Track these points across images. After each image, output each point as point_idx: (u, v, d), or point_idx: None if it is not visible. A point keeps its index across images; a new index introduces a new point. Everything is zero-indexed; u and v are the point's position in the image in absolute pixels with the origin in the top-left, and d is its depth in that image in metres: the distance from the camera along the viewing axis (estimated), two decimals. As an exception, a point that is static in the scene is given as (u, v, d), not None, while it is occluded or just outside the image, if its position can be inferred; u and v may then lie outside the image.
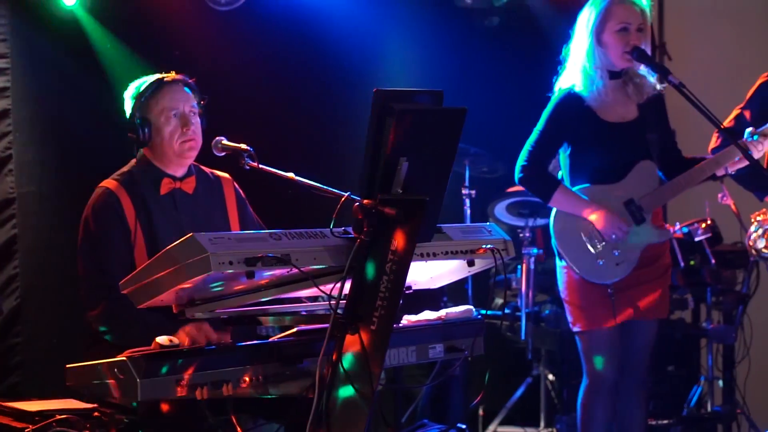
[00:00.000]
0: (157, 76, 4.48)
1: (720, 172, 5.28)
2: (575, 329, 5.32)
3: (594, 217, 5.20)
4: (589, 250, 5.22)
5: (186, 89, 4.50)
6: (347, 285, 3.45)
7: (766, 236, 5.69)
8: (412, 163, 3.42)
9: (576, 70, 5.30)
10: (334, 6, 7.13)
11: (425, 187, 3.47)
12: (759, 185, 5.74)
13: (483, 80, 7.82)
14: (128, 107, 4.47)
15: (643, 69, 5.29)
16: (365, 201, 3.40)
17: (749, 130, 5.22)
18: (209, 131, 4.47)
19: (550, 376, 7.02)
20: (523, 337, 6.74)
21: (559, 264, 5.35)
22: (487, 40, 7.91)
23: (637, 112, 5.32)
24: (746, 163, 5.19)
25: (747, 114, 5.68)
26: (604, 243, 5.20)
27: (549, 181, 5.29)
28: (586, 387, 5.35)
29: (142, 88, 4.45)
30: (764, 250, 5.70)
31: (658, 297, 5.35)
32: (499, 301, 7.12)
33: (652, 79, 5.30)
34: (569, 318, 5.36)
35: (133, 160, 4.51)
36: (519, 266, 6.83)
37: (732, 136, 5.11)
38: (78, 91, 6.38)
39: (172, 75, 4.51)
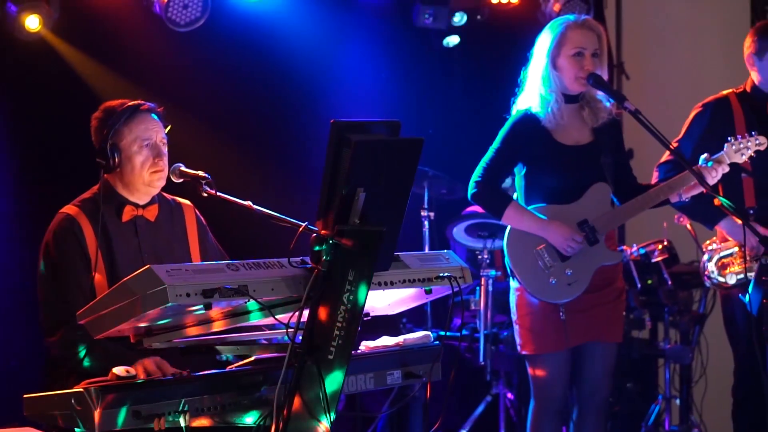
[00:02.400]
0: (131, 102, 4.42)
1: (674, 198, 5.32)
2: (524, 352, 5.34)
3: (547, 231, 5.23)
4: (542, 269, 5.23)
5: (157, 118, 4.46)
6: (305, 314, 3.46)
7: (719, 264, 5.75)
8: (369, 194, 3.44)
9: (533, 93, 5.33)
10: (293, 26, 7.14)
11: (382, 217, 3.49)
12: (706, 215, 5.79)
13: (442, 101, 7.85)
14: (97, 131, 4.41)
15: (600, 94, 5.33)
16: (322, 231, 3.42)
17: (704, 156, 5.27)
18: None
19: (509, 395, 7.04)
20: (481, 359, 6.76)
21: (513, 285, 5.37)
22: (446, 60, 7.94)
23: (592, 136, 5.36)
24: (700, 189, 5.24)
25: (686, 146, 5.73)
26: (556, 262, 5.23)
27: (501, 197, 5.30)
28: (535, 409, 5.36)
29: (114, 114, 4.39)
30: (718, 278, 5.75)
31: (612, 320, 5.37)
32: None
33: (608, 104, 5.35)
34: (518, 340, 5.36)
35: (95, 186, 4.45)
36: (477, 288, 6.85)
37: (687, 163, 5.16)
38: (36, 115, 6.35)
39: (146, 104, 4.45)
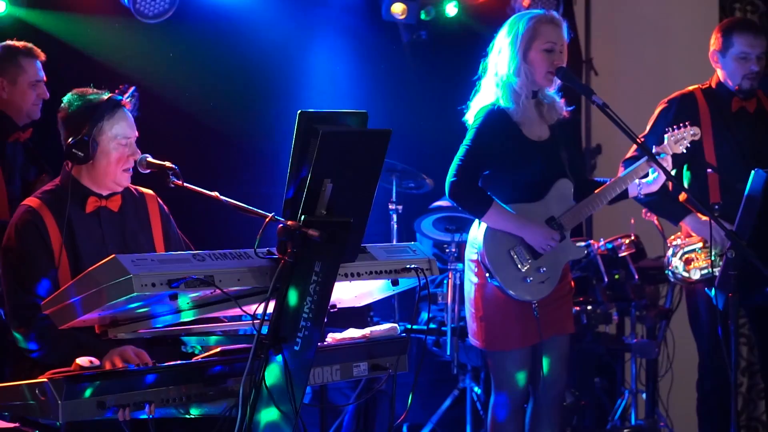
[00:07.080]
0: (110, 96, 4.37)
1: (632, 193, 5.38)
2: (490, 349, 5.29)
3: (526, 231, 5.22)
4: (519, 269, 5.21)
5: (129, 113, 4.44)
6: (271, 305, 3.46)
7: (683, 259, 5.78)
8: (336, 185, 3.44)
9: (499, 87, 5.30)
10: (262, 20, 7.13)
11: (349, 208, 3.50)
12: (671, 212, 5.83)
13: (410, 95, 7.84)
14: (73, 121, 4.33)
15: (552, 91, 5.34)
16: (289, 222, 3.41)
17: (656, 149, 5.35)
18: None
19: (477, 389, 7.04)
20: (448, 352, 6.75)
21: (473, 280, 5.29)
22: (415, 54, 7.93)
23: (549, 131, 5.37)
24: (656, 187, 5.30)
25: (651, 141, 5.75)
26: (530, 261, 5.22)
27: (482, 198, 5.22)
28: (500, 404, 5.33)
29: (97, 108, 4.31)
30: (683, 273, 5.78)
31: (568, 313, 5.42)
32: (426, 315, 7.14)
33: (559, 101, 5.35)
34: (482, 336, 5.29)
35: (57, 178, 4.43)
36: (445, 281, 6.85)
37: (652, 156, 5.15)
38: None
39: (125, 100, 4.42)
